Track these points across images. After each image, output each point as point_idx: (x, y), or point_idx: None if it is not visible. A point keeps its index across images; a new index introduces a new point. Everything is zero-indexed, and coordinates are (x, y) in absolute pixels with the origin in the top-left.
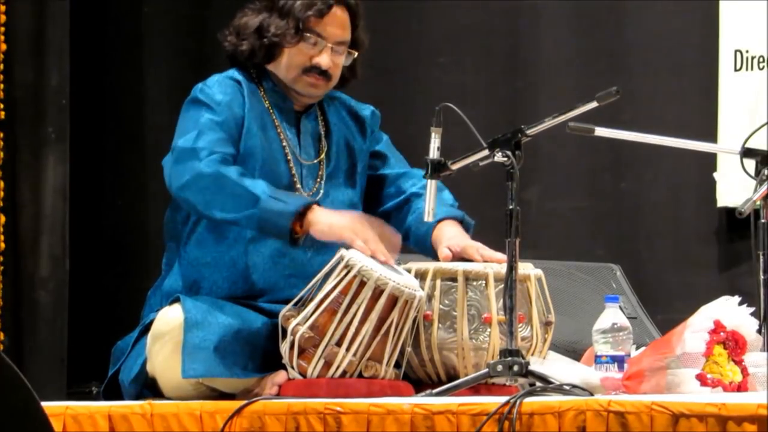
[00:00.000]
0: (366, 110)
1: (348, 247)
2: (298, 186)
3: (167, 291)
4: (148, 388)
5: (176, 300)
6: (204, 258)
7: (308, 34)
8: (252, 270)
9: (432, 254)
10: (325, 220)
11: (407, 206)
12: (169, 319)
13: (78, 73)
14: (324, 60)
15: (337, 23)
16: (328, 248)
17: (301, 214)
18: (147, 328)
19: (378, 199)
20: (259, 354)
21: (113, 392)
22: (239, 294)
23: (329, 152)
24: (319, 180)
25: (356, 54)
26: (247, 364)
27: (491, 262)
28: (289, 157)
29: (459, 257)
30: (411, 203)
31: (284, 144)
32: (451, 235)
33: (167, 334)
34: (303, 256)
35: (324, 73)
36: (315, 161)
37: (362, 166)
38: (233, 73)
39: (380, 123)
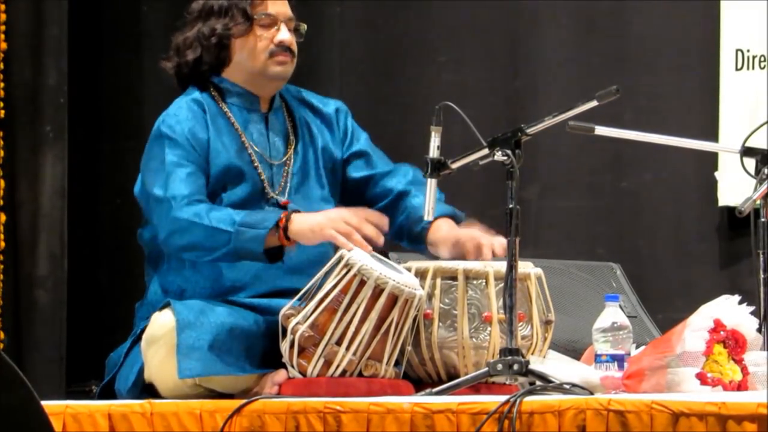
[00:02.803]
0: (329, 106)
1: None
2: (268, 189)
3: (153, 299)
4: (146, 393)
5: (166, 305)
6: (185, 261)
7: (260, 15)
8: (233, 265)
9: (427, 254)
10: (306, 226)
11: (396, 206)
12: (161, 323)
13: (76, 72)
14: (285, 35)
15: (279, 0)
16: None
17: (280, 228)
18: (139, 337)
19: (365, 201)
20: (254, 351)
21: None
22: (223, 291)
23: (296, 148)
24: (285, 176)
25: (305, 27)
26: (244, 362)
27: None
28: (256, 164)
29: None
30: (399, 202)
31: (250, 152)
32: (445, 234)
33: (161, 338)
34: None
35: (288, 50)
36: (283, 159)
37: (332, 161)
38: (192, 93)
39: (353, 117)
